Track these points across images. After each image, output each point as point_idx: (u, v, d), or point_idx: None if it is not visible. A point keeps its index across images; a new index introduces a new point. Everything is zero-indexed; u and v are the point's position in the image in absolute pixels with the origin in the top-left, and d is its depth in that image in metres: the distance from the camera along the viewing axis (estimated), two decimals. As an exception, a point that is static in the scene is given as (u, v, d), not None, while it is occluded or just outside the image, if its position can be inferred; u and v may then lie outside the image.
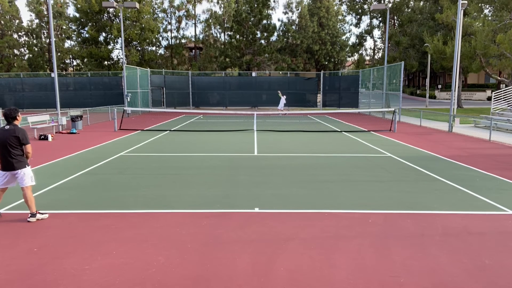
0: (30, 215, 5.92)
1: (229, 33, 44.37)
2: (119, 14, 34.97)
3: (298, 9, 51.85)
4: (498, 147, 13.63)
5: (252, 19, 41.28)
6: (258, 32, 42.55)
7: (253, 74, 38.64)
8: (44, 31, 47.38)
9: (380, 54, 56.81)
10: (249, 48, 42.77)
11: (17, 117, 5.90)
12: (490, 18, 31.31)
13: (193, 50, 55.47)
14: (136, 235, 5.39)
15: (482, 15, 31.90)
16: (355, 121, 23.34)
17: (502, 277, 4.24)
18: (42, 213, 6.06)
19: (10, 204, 6.70)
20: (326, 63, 51.61)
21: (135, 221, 5.92)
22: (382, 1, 37.76)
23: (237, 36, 42.55)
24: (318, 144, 14.02)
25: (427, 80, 40.01)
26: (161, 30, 47.25)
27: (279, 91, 28.91)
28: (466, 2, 24.51)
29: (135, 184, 8.15)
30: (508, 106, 21.36)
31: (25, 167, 5.92)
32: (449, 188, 7.89)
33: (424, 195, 7.37)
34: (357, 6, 55.59)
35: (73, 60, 51.04)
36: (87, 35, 43.00)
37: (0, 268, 4.40)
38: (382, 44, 57.01)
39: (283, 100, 27.58)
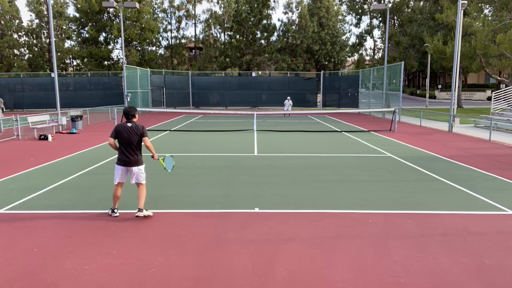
0: (138, 209, 5.96)
1: (229, 33, 44.38)
2: (119, 14, 34.96)
3: (298, 9, 51.81)
4: (498, 147, 13.63)
5: (252, 19, 41.28)
6: (258, 32, 42.55)
7: (253, 74, 38.63)
8: (44, 31, 47.36)
9: (380, 54, 56.81)
10: (249, 48, 42.77)
11: (136, 115, 6.13)
12: (490, 18, 31.31)
13: (193, 50, 55.47)
14: (136, 235, 5.39)
15: (482, 15, 31.91)
16: (355, 121, 23.34)
17: (502, 277, 4.24)
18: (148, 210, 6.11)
19: (10, 204, 6.70)
20: (326, 63, 51.59)
21: (135, 221, 5.91)
22: (382, 1, 37.75)
23: (237, 36, 42.55)
24: (318, 144, 14.02)
25: (427, 80, 40.02)
26: (161, 30, 47.27)
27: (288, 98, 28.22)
28: (466, 2, 24.52)
29: (135, 184, 8.12)
30: (508, 106, 21.36)
31: (142, 164, 6.10)
32: (449, 188, 7.89)
33: (424, 195, 7.37)
34: (357, 6, 55.59)
35: (73, 60, 51.04)
36: (87, 35, 43.01)
37: (0, 268, 4.40)
38: (382, 44, 57.02)
39: (288, 102, 27.24)
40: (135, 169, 5.98)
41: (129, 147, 5.93)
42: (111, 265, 4.48)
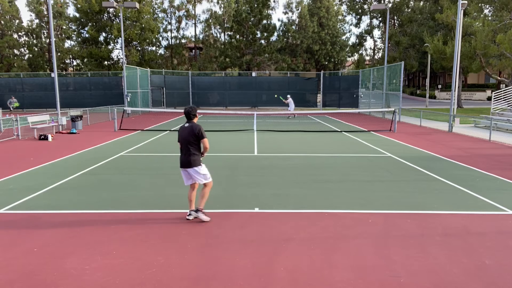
0: (194, 210, 5.89)
1: (229, 33, 44.38)
2: (119, 14, 34.98)
3: (298, 9, 51.84)
4: (498, 147, 13.62)
5: (252, 19, 41.28)
6: (258, 32, 42.55)
7: (253, 74, 38.64)
8: (44, 31, 47.37)
9: (380, 54, 56.82)
10: (249, 48, 42.78)
11: (196, 115, 6.00)
12: (490, 18, 31.32)
13: (193, 50, 55.48)
14: (136, 235, 5.39)
15: (482, 15, 31.91)
16: (355, 121, 23.34)
17: (502, 277, 4.24)
18: (206, 214, 6.00)
19: (10, 204, 6.70)
20: (326, 63, 51.61)
21: (135, 221, 5.92)
22: (382, 1, 37.77)
23: (237, 36, 42.56)
24: (318, 144, 14.02)
25: (427, 80, 40.02)
26: (161, 30, 47.29)
27: (285, 96, 26.57)
28: (466, 2, 24.52)
29: (135, 184, 8.15)
30: (508, 106, 21.36)
31: (198, 165, 5.85)
32: (449, 188, 7.89)
33: (424, 195, 7.37)
34: (357, 6, 55.58)
35: (73, 60, 51.06)
36: (87, 35, 43.04)
37: (0, 268, 4.40)
38: (382, 44, 57.01)
39: (291, 101, 25.81)
40: (190, 170, 5.85)
41: (183, 148, 5.87)
42: (111, 265, 4.48)
